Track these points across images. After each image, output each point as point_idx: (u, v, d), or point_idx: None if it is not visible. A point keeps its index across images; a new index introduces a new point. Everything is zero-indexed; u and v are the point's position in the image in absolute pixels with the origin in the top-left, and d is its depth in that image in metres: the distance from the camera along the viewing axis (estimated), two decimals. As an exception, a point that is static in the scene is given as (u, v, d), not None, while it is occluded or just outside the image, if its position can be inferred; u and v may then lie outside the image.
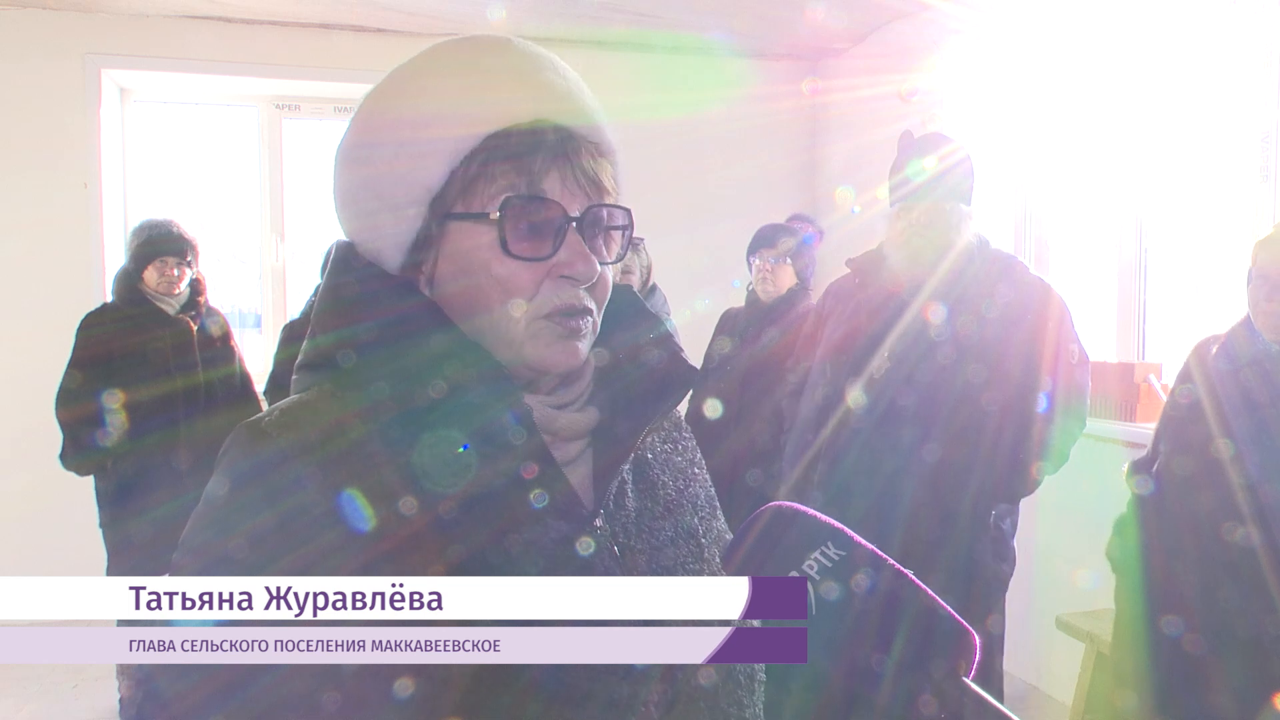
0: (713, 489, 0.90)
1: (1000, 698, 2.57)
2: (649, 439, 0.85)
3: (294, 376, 0.79)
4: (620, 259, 0.80)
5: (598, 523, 0.76)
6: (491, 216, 0.73)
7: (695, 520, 0.84)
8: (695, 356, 3.59)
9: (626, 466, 0.80)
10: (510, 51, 0.79)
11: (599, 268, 0.76)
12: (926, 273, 2.45)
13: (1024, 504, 2.59)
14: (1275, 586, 2.13)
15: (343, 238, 0.81)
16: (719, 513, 0.88)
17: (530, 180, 0.74)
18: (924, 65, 4.23)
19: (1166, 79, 3.35)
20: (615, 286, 0.82)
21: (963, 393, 2.36)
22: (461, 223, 0.74)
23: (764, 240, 3.41)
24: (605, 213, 0.77)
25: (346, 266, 0.78)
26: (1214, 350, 2.37)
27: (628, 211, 0.79)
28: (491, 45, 0.79)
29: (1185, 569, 2.28)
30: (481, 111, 0.74)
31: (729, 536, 0.86)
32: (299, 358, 0.79)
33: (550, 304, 0.75)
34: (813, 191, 5.18)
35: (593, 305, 0.77)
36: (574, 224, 0.75)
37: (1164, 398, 2.57)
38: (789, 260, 3.36)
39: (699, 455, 0.91)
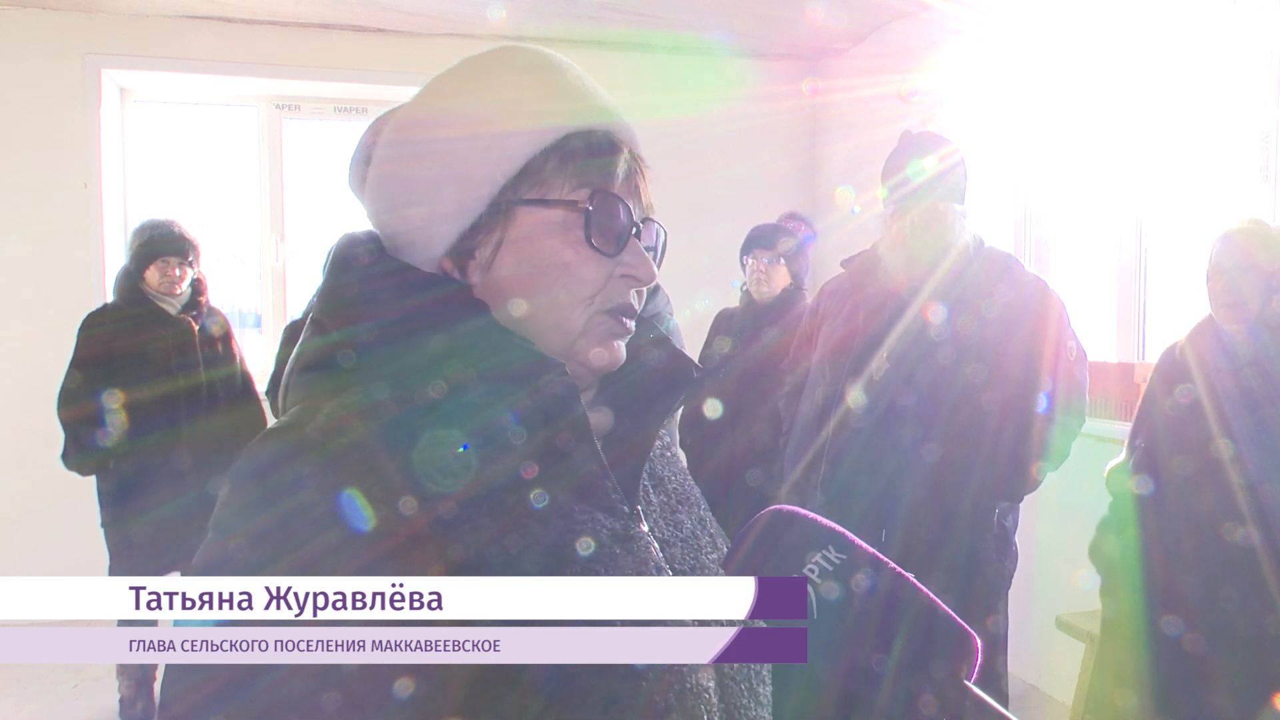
0: (693, 480, 0.92)
1: (1004, 697, 2.56)
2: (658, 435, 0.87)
3: (310, 373, 0.76)
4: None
5: (638, 517, 0.77)
6: (580, 204, 0.75)
7: (701, 511, 0.86)
8: (693, 357, 3.61)
9: (646, 463, 0.82)
10: (575, 67, 0.82)
11: (656, 274, 0.79)
12: (925, 273, 2.45)
13: (1024, 503, 2.59)
14: (1275, 586, 2.13)
15: (354, 233, 0.80)
16: (706, 504, 0.90)
17: (607, 179, 0.76)
18: (924, 65, 4.23)
19: (1166, 79, 3.35)
20: None
21: (963, 393, 2.36)
22: (532, 209, 0.75)
23: (758, 240, 3.40)
24: (653, 229, 0.81)
25: (380, 261, 0.77)
26: (1178, 350, 2.40)
27: (665, 233, 0.83)
28: (560, 57, 0.82)
29: (1185, 569, 2.28)
30: (565, 109, 0.77)
31: (720, 527, 0.88)
32: (316, 354, 0.77)
33: (613, 301, 0.77)
34: (813, 191, 5.18)
35: (638, 310, 0.80)
36: (636, 229, 0.78)
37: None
38: (782, 261, 3.36)
39: (677, 449, 0.93)
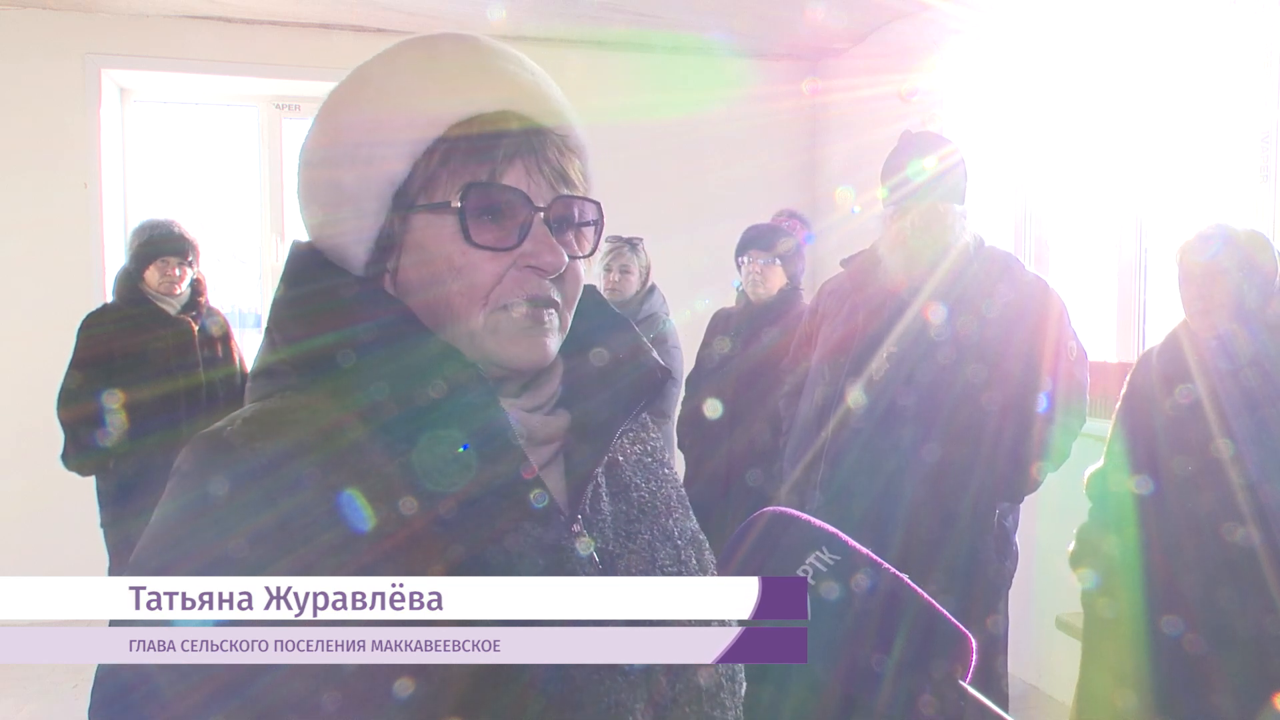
0: (682, 488, 0.89)
1: (1004, 697, 2.56)
2: (619, 440, 0.84)
3: (254, 383, 0.76)
4: (592, 254, 0.79)
5: (575, 528, 0.75)
6: (453, 204, 0.72)
7: (669, 522, 0.83)
8: (692, 357, 3.61)
9: (600, 470, 0.79)
10: (474, 47, 0.78)
11: (566, 259, 0.74)
12: (925, 273, 2.45)
13: (1025, 504, 2.59)
14: (1275, 586, 2.13)
15: (302, 241, 0.80)
16: (690, 512, 0.87)
17: (493, 170, 0.72)
18: (924, 65, 4.23)
19: (1166, 79, 3.35)
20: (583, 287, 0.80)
21: (963, 393, 2.36)
22: (425, 215, 0.73)
23: (754, 241, 3.40)
24: (574, 206, 0.76)
25: (325, 271, 0.77)
26: (1155, 358, 2.42)
27: (597, 205, 0.78)
28: (455, 41, 0.79)
29: (1185, 569, 2.28)
30: (444, 103, 0.73)
31: (702, 536, 0.86)
32: (259, 365, 0.77)
33: (512, 295, 0.73)
34: (813, 191, 5.18)
35: (560, 299, 0.75)
36: (540, 214, 0.74)
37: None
38: (778, 261, 3.36)
39: (667, 454, 0.90)
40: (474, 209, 0.72)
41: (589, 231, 0.78)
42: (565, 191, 0.75)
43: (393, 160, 0.73)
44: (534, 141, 0.74)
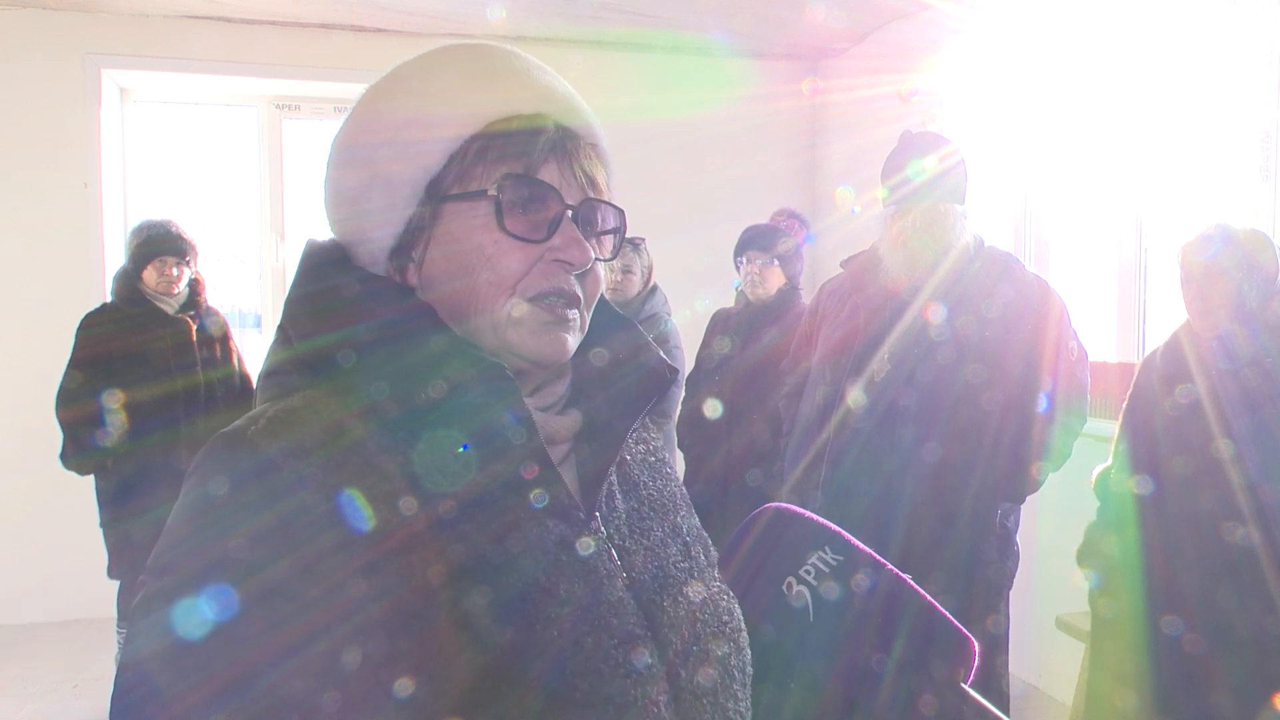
0: (682, 485, 0.90)
1: (1004, 697, 2.56)
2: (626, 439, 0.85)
3: (267, 381, 0.78)
4: (613, 259, 0.81)
5: (595, 524, 0.76)
6: (490, 192, 0.74)
7: (677, 518, 0.84)
8: (692, 357, 3.60)
9: (612, 468, 0.80)
10: (513, 54, 0.81)
11: (593, 256, 0.76)
12: (926, 273, 2.45)
13: (1026, 503, 2.59)
14: (1275, 586, 2.13)
15: (316, 239, 0.81)
16: (692, 509, 0.88)
17: (529, 166, 0.75)
18: (924, 65, 4.24)
19: (1166, 79, 3.35)
20: None
21: (963, 393, 2.36)
22: (457, 204, 0.75)
23: (752, 242, 3.39)
24: (600, 209, 0.78)
25: (338, 269, 0.78)
26: (1158, 358, 2.43)
27: (622, 213, 0.80)
28: (494, 48, 0.81)
29: (1185, 569, 2.28)
30: (483, 101, 0.76)
31: (704, 532, 0.87)
32: (272, 362, 0.78)
33: (538, 287, 0.75)
34: (813, 191, 5.18)
35: (582, 296, 0.77)
36: (570, 211, 0.76)
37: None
38: (776, 261, 3.35)
39: (665, 453, 0.91)
40: (509, 199, 0.74)
41: (611, 237, 0.80)
42: (592, 195, 0.78)
43: (430, 152, 0.75)
44: (567, 144, 0.77)
